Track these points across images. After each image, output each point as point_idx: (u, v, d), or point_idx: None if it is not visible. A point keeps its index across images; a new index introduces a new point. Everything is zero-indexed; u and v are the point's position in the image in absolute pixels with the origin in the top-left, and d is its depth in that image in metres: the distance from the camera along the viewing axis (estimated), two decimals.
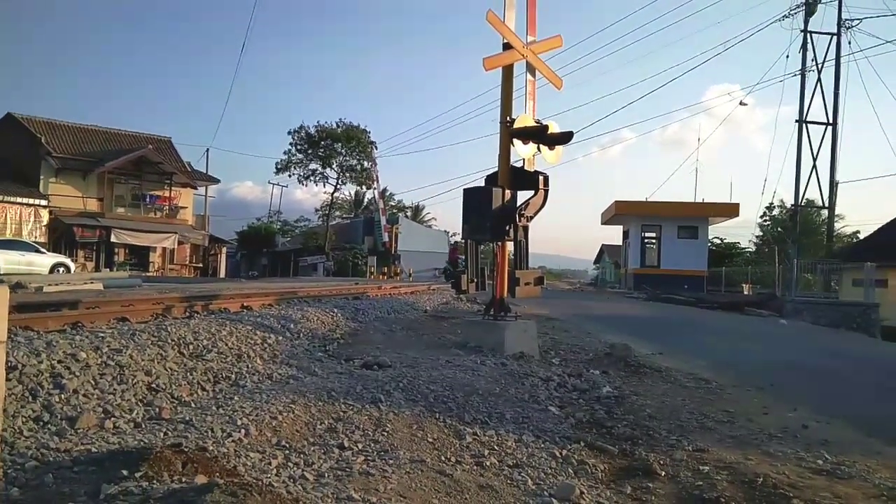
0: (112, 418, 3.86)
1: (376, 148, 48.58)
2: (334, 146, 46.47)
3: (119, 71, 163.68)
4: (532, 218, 8.44)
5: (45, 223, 30.75)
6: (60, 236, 31.36)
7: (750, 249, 43.23)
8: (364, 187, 53.33)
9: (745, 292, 28.33)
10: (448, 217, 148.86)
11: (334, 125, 46.64)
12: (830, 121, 28.41)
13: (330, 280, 30.80)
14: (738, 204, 32.55)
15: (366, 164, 47.59)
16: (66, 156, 32.72)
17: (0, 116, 34.56)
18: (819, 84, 28.75)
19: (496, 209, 7.97)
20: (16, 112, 33.93)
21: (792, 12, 28.83)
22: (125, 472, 2.64)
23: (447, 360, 6.70)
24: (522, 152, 8.40)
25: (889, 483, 3.71)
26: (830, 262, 25.69)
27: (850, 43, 28.65)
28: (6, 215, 29.12)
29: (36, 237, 28.94)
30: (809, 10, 28.43)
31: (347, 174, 48.16)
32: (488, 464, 3.67)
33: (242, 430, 3.72)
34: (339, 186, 49.92)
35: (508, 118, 8.28)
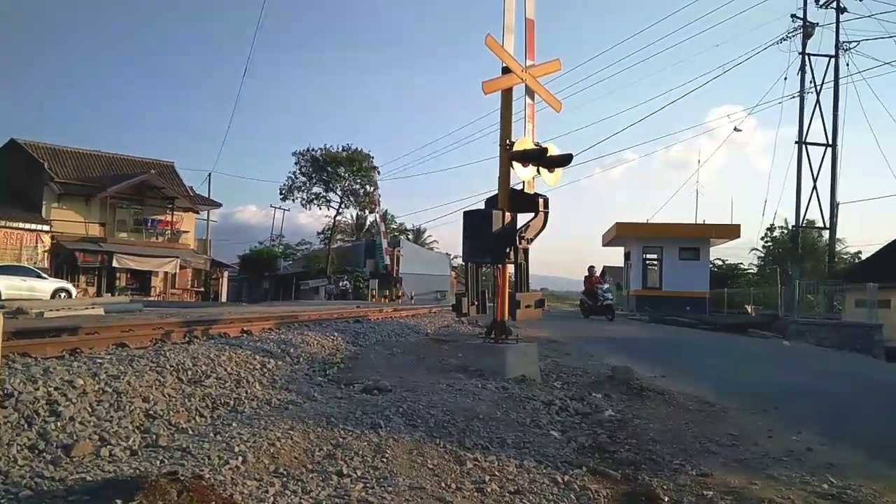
0: (108, 446, 3.82)
1: (379, 173, 48.93)
2: (338, 171, 46.72)
3: (122, 97, 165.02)
4: (532, 240, 8.43)
5: (46, 248, 30.87)
6: (62, 261, 31.42)
7: (752, 271, 43.22)
8: (366, 211, 53.62)
9: (749, 313, 28.22)
10: (449, 240, 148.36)
11: (340, 149, 46.95)
12: (830, 142, 28.55)
13: (331, 303, 30.74)
14: (739, 225, 32.61)
15: (368, 188, 47.86)
16: (69, 181, 32.90)
17: (3, 142, 34.82)
18: (818, 106, 28.95)
19: (496, 232, 7.97)
20: (19, 138, 34.16)
21: (789, 35, 29.14)
22: (119, 502, 2.60)
23: (448, 384, 6.64)
24: (522, 175, 8.41)
25: None
26: (832, 283, 25.65)
27: (847, 65, 28.98)
28: (8, 241, 29.20)
29: (38, 263, 28.97)
30: (807, 33, 28.70)
31: (350, 198, 48.43)
32: (489, 490, 3.62)
33: (240, 458, 3.67)
34: (341, 210, 50.19)
35: (508, 141, 8.30)
